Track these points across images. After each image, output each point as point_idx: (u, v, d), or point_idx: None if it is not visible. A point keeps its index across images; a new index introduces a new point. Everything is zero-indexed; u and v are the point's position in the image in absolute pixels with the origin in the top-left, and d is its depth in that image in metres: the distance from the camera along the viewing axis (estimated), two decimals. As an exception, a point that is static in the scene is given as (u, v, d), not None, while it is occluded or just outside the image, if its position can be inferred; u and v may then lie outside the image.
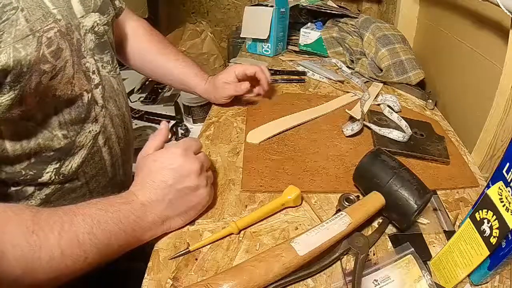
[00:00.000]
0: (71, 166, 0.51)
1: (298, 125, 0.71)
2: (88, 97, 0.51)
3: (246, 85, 0.71)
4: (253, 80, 0.74)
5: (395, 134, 0.66)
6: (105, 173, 0.58)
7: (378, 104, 0.78)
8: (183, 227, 0.47)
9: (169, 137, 1.06)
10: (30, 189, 0.50)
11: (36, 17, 0.40)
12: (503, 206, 0.36)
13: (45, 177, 0.49)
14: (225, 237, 0.47)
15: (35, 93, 0.41)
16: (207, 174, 0.47)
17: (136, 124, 1.16)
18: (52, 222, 0.34)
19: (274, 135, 0.67)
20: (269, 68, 0.97)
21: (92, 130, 0.52)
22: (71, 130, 0.49)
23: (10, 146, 0.44)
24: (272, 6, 0.99)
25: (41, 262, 0.33)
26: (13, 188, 0.48)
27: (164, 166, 0.43)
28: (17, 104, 0.39)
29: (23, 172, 0.47)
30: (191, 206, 0.45)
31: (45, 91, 0.43)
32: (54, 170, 0.50)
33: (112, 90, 0.57)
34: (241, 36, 1.08)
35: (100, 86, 0.53)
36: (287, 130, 0.69)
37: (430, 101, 0.83)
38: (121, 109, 0.59)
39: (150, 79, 1.48)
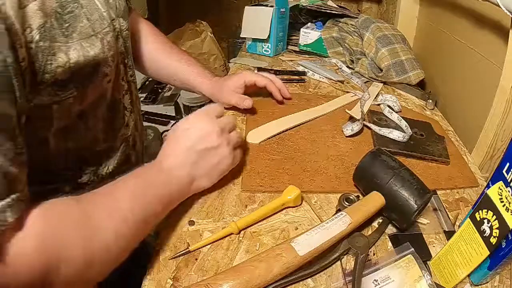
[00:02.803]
0: (108, 168, 0.52)
1: (298, 125, 0.71)
2: (123, 102, 0.52)
3: (249, 103, 0.70)
4: (265, 88, 0.75)
5: (395, 134, 0.66)
6: None
7: (378, 104, 0.78)
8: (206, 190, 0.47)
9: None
10: (67, 188, 0.48)
11: (95, 17, 0.39)
12: (503, 206, 0.36)
13: (84, 178, 0.49)
14: (225, 237, 0.47)
15: (94, 94, 0.41)
16: (229, 135, 0.48)
17: (136, 124, 1.16)
18: (97, 208, 0.34)
19: (274, 135, 0.67)
20: (269, 68, 0.97)
21: (125, 134, 0.54)
22: (110, 135, 0.50)
23: (54, 144, 0.42)
24: (272, 6, 0.99)
25: (97, 249, 0.33)
26: (49, 186, 0.47)
27: (185, 129, 0.45)
28: (78, 103, 0.39)
29: (63, 173, 0.46)
30: (213, 165, 0.46)
31: (102, 93, 0.44)
32: (92, 172, 0.50)
33: (134, 95, 0.57)
34: (241, 36, 1.08)
35: (128, 92, 0.54)
36: (287, 130, 0.69)
37: (430, 101, 0.83)
38: (139, 112, 0.61)
39: (150, 79, 1.48)
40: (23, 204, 0.29)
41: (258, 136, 0.67)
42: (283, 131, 0.69)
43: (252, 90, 0.74)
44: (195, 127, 0.45)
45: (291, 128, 0.70)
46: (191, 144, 0.44)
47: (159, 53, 0.73)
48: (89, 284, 0.35)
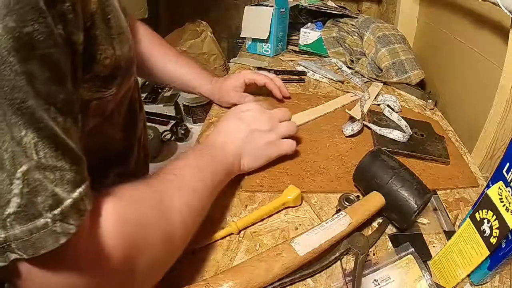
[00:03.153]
0: (129, 167, 0.52)
1: (303, 124, 0.71)
2: (136, 101, 0.53)
3: (250, 99, 0.70)
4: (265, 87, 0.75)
5: (395, 134, 0.66)
6: (144, 172, 0.59)
7: (378, 104, 0.78)
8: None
9: (169, 137, 1.06)
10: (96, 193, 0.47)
11: (121, 17, 0.37)
12: (503, 206, 0.36)
13: (109, 180, 0.49)
14: (225, 237, 0.47)
15: (124, 92, 0.41)
16: (279, 124, 0.51)
17: (136, 124, 1.16)
18: (167, 186, 0.34)
19: None
20: (269, 68, 0.97)
21: (138, 132, 0.54)
22: (128, 134, 0.50)
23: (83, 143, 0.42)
24: (272, 6, 0.99)
25: (175, 225, 0.33)
26: None
27: (240, 112, 0.49)
28: (113, 102, 0.38)
29: (90, 175, 0.45)
30: (260, 147, 0.49)
31: (127, 91, 0.44)
32: (116, 173, 0.50)
33: (140, 94, 0.57)
34: (241, 36, 1.08)
35: (137, 92, 0.54)
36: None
37: (430, 101, 0.83)
38: (144, 111, 0.61)
39: (150, 79, 1.48)
40: (92, 192, 0.27)
41: None
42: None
43: (251, 89, 0.74)
44: (250, 110, 0.50)
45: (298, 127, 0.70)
46: (244, 124, 0.48)
47: (155, 55, 0.73)
48: (169, 265, 0.34)
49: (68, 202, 0.23)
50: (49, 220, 0.22)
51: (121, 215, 0.29)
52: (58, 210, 0.22)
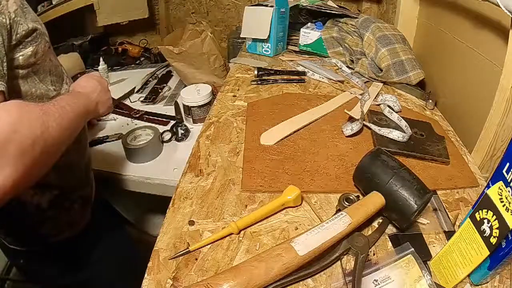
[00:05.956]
0: None
1: (308, 125, 0.71)
2: (60, 66, 0.70)
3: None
4: None
5: (395, 134, 0.66)
6: None
7: (378, 104, 0.78)
8: None
9: (169, 137, 1.06)
10: None
11: (30, 10, 0.59)
12: (503, 206, 0.36)
13: None
14: (225, 237, 0.47)
15: (42, 53, 0.60)
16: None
17: (136, 124, 1.15)
18: (48, 104, 0.51)
19: (287, 136, 0.67)
20: (269, 68, 0.97)
21: (67, 89, 0.69)
22: (57, 86, 0.66)
23: (24, 90, 0.59)
24: (272, 6, 0.99)
25: (49, 124, 0.47)
26: None
27: (93, 75, 0.72)
28: (33, 56, 0.57)
29: None
30: (106, 100, 0.70)
31: (46, 54, 0.62)
32: None
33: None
34: (241, 36, 1.08)
35: (53, 56, 0.69)
36: (298, 129, 0.70)
37: (430, 101, 0.83)
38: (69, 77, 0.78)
39: (150, 80, 1.48)
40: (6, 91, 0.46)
41: (271, 137, 0.67)
42: (295, 131, 0.69)
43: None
44: (99, 78, 0.71)
45: (302, 128, 0.70)
46: (99, 84, 0.69)
47: None
48: (43, 159, 0.46)
49: None
50: None
51: (21, 106, 0.44)
52: None
